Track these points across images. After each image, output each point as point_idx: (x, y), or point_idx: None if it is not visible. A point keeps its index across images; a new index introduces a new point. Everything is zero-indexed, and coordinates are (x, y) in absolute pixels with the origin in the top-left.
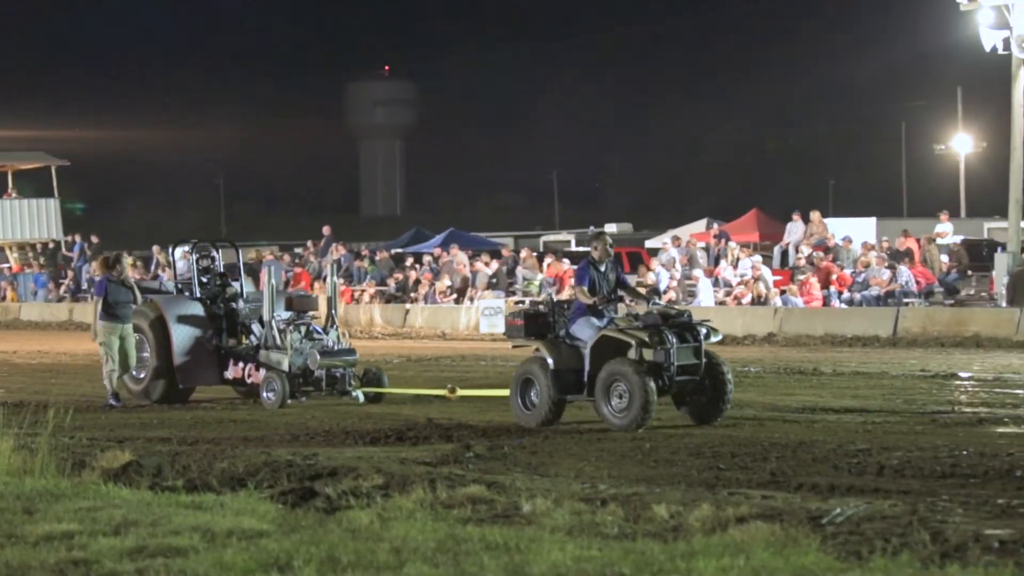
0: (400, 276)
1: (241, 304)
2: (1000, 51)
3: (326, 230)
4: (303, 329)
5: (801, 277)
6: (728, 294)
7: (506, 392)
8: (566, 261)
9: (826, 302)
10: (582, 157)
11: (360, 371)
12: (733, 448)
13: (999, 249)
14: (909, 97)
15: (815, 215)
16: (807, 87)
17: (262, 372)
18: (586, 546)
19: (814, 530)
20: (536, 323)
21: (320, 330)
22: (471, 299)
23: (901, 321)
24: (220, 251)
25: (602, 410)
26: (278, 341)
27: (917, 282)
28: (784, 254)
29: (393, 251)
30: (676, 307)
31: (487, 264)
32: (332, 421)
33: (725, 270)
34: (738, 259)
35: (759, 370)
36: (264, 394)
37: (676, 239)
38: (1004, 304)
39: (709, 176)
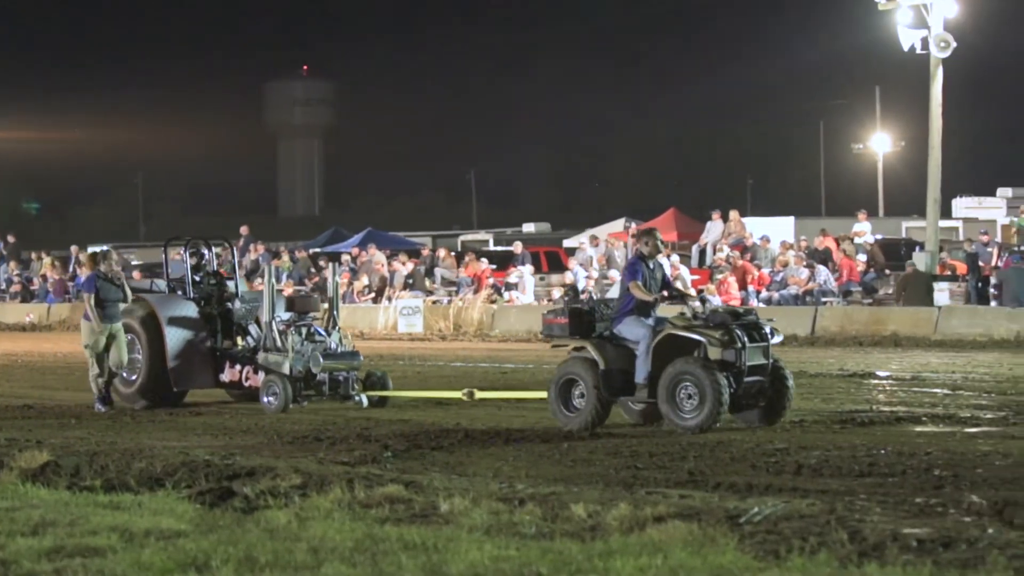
0: (317, 277)
1: (238, 304)
2: (918, 50)
3: (244, 230)
4: (303, 330)
5: (719, 276)
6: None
7: (528, 394)
8: (484, 260)
9: (744, 301)
10: (500, 156)
11: (362, 374)
12: (651, 448)
13: (917, 248)
14: (827, 96)
15: (733, 214)
16: (726, 86)
17: (261, 375)
18: (504, 546)
19: (732, 529)
20: (581, 321)
21: (322, 331)
22: (389, 299)
23: (819, 320)
24: (212, 249)
25: (666, 411)
26: (278, 343)
27: (838, 276)
28: (702, 253)
29: (311, 251)
30: (742, 307)
31: (405, 264)
32: (251, 421)
33: None
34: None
35: None
36: (265, 399)
37: (594, 238)
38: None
39: (627, 175)
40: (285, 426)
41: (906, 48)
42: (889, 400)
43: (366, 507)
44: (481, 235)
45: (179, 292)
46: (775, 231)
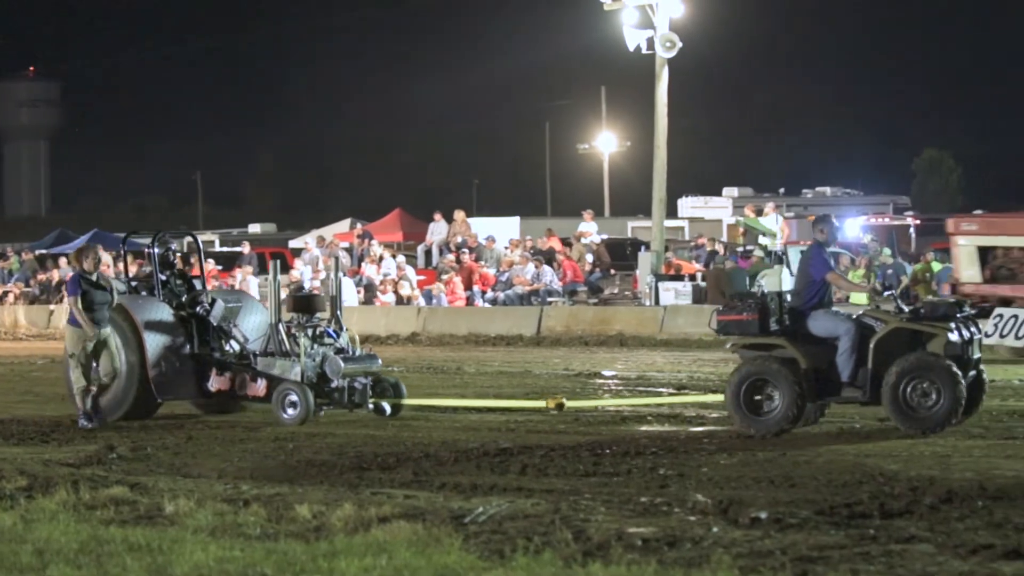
0: (43, 277)
1: (220, 305)
2: (644, 51)
3: None
4: (310, 332)
5: (445, 277)
6: (371, 294)
7: (613, 402)
8: (211, 261)
9: (470, 301)
10: (225, 157)
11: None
12: (376, 448)
13: (642, 248)
14: (553, 96)
15: (459, 214)
16: (451, 86)
17: (260, 383)
18: (228, 547)
19: (457, 529)
20: (767, 317)
21: (333, 333)
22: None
23: (545, 320)
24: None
25: (894, 412)
26: (286, 346)
27: (564, 275)
28: (428, 254)
29: (37, 252)
30: (950, 298)
31: (131, 265)
32: None
33: (368, 270)
34: (381, 259)
35: (402, 369)
36: (284, 411)
37: (320, 239)
38: (706, 303)
39: (352, 175)
40: (11, 428)
41: (632, 48)
42: (614, 399)
43: (91, 508)
44: (207, 236)
45: (143, 293)
46: (501, 231)
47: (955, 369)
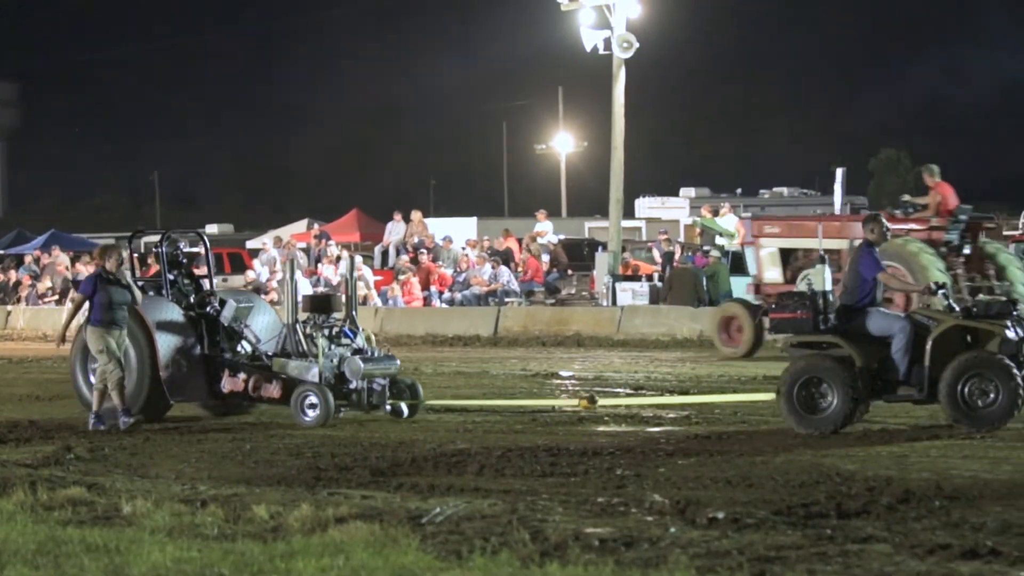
0: (1, 277)
1: (232, 304)
2: (601, 51)
3: None
4: (326, 333)
5: (402, 277)
6: None
7: (649, 400)
8: None
9: (427, 302)
10: (183, 158)
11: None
12: (333, 448)
13: (600, 248)
14: (510, 97)
15: (416, 215)
16: (409, 85)
17: (275, 384)
18: (186, 547)
19: (414, 529)
20: (819, 315)
21: (350, 333)
22: (72, 300)
23: (502, 320)
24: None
25: (952, 410)
26: (303, 347)
27: (527, 272)
28: (385, 254)
29: None
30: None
31: (88, 265)
32: None
33: (326, 270)
34: (338, 259)
35: None
36: (304, 413)
37: (277, 239)
38: (661, 302)
39: (310, 176)
40: None
41: (589, 49)
42: (572, 400)
43: (49, 509)
44: None
45: (150, 292)
46: (458, 231)
47: (1013, 367)
